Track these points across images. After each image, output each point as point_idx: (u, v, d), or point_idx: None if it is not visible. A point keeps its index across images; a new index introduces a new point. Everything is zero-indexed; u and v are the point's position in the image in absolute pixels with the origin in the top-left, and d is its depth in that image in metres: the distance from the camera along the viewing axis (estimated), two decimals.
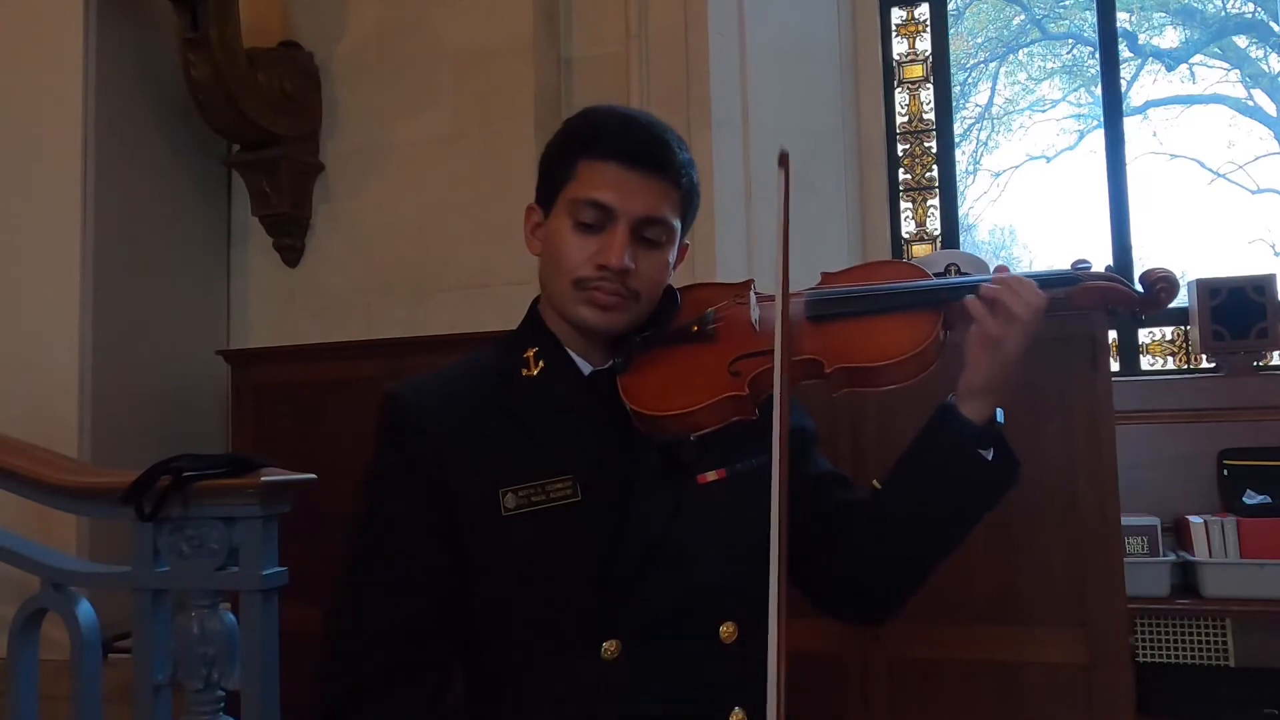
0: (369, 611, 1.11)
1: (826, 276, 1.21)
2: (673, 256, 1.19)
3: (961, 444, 1.11)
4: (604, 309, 1.13)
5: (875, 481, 1.19)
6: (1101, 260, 1.20)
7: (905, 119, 3.81)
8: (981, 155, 4.39)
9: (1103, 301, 1.14)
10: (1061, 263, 1.18)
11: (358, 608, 1.13)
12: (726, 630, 1.11)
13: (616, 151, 1.12)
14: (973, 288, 1.10)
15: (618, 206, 1.12)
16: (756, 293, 1.20)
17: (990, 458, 1.12)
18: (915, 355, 1.07)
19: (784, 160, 1.10)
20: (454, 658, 1.15)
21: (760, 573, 0.97)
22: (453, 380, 1.19)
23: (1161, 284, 1.13)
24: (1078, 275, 1.14)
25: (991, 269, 1.16)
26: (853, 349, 1.09)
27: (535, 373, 1.16)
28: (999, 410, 1.12)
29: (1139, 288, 1.15)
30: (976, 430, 1.10)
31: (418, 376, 1.20)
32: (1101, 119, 3.63)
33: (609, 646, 1.07)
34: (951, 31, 3.86)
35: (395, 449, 1.14)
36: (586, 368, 1.18)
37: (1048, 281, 1.12)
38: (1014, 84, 4.47)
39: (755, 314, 1.16)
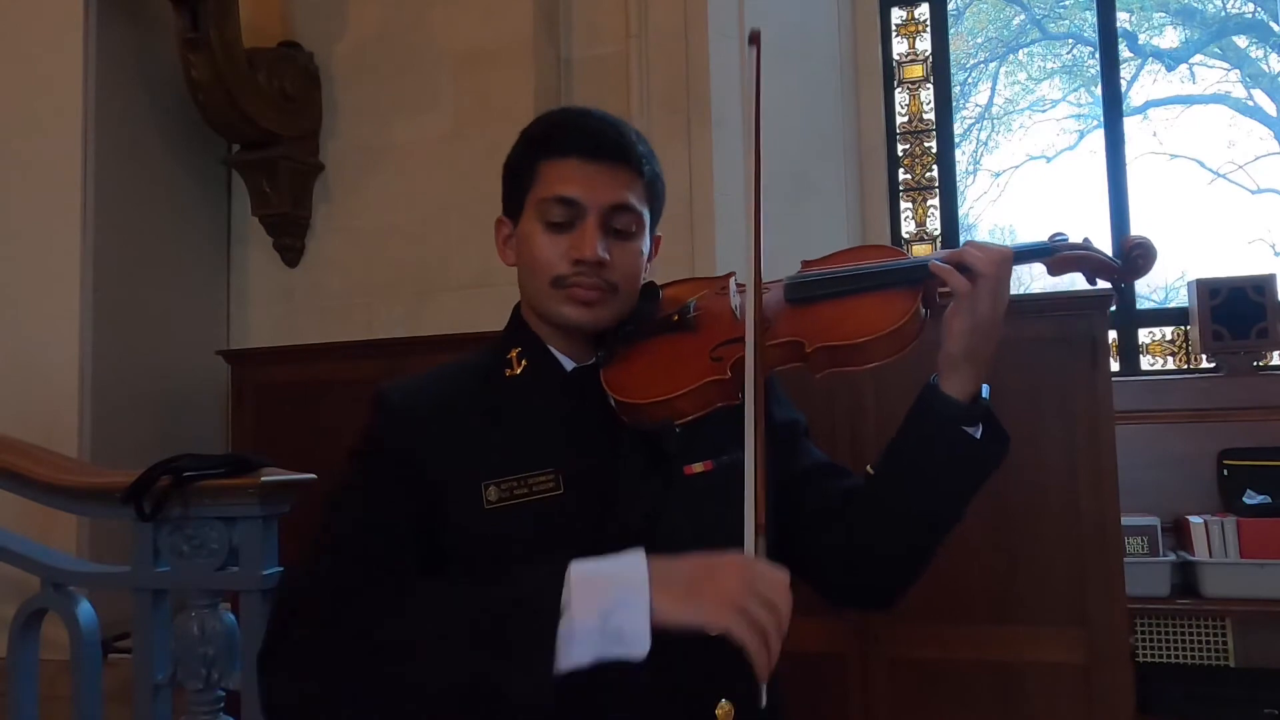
0: (323, 571, 1.09)
1: (807, 264, 1.21)
2: (646, 247, 1.19)
3: (946, 423, 1.11)
4: (585, 304, 1.14)
5: (869, 467, 1.19)
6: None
7: (905, 119, 3.81)
8: (981, 155, 4.39)
9: (1079, 269, 1.16)
10: None
11: (314, 567, 1.11)
12: None
13: (575, 146, 1.13)
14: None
15: (584, 199, 1.12)
16: (738, 283, 1.21)
17: (979, 435, 1.12)
18: (895, 331, 1.08)
19: (755, 38, 1.11)
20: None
21: None
22: (439, 380, 1.20)
23: (1138, 250, 1.14)
24: (1054, 246, 1.15)
25: None
26: (833, 328, 1.10)
27: (518, 371, 1.18)
28: (985, 386, 1.13)
29: (1117, 257, 1.16)
30: (960, 408, 1.10)
31: (407, 377, 1.21)
32: (1101, 119, 3.64)
33: None
34: (951, 31, 3.87)
35: (374, 441, 1.15)
36: (569, 364, 1.19)
37: (1024, 253, 1.14)
38: (1014, 84, 4.46)
39: (735, 302, 1.17)
